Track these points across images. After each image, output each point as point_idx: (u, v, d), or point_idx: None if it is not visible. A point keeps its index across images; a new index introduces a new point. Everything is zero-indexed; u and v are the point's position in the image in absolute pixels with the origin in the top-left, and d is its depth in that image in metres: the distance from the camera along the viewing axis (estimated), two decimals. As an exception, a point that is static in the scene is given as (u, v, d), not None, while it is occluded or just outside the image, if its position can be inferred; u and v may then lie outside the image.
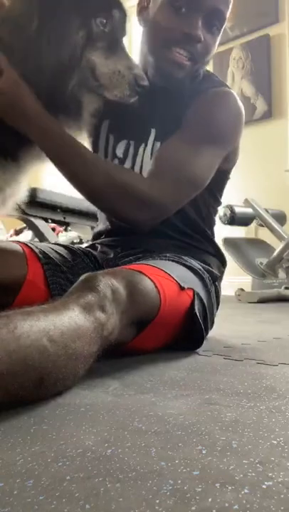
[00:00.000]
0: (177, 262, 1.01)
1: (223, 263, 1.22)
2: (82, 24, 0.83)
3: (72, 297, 0.71)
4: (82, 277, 0.78)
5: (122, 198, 0.92)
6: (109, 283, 0.76)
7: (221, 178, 1.18)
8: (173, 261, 1.01)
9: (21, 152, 0.91)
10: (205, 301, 1.01)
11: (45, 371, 0.58)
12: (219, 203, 1.23)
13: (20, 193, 0.98)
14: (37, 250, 1.02)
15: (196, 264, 1.05)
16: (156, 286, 0.86)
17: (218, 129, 1.03)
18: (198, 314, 0.93)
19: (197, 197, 1.11)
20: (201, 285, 1.01)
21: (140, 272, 0.86)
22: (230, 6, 1.02)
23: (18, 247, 1.01)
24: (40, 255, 1.01)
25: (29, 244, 1.03)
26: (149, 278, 0.86)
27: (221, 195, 1.22)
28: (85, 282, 0.76)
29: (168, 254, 1.04)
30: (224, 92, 1.07)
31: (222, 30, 1.03)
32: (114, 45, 0.88)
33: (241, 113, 1.08)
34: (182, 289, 0.92)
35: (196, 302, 0.95)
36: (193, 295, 0.95)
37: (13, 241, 1.06)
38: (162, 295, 0.86)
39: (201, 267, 1.06)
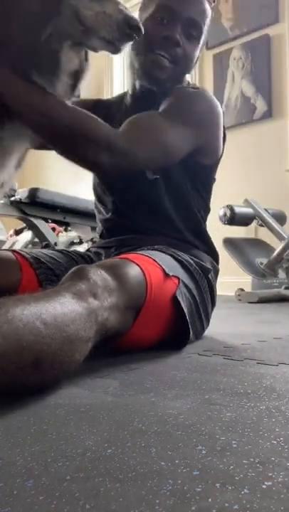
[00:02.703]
0: (164, 252, 1.03)
1: (216, 260, 1.23)
2: None
3: (64, 286, 0.73)
4: (72, 269, 0.80)
5: (86, 141, 0.90)
6: (98, 272, 0.79)
7: (205, 175, 1.20)
8: (160, 251, 1.03)
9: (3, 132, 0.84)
10: (194, 292, 1.03)
11: (41, 353, 0.59)
12: (207, 203, 1.24)
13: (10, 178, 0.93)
14: (28, 256, 1.04)
15: (184, 256, 1.07)
16: (142, 271, 0.88)
17: (191, 115, 1.07)
18: (180, 299, 0.94)
19: (183, 196, 1.16)
20: (187, 276, 1.03)
21: (126, 259, 0.89)
22: (207, 20, 1.12)
23: (10, 255, 1.03)
24: (31, 260, 1.03)
25: (20, 252, 1.05)
26: (135, 263, 0.89)
27: (207, 195, 1.24)
28: (76, 273, 0.78)
29: (156, 246, 1.06)
30: (201, 91, 1.15)
31: (201, 40, 1.13)
32: None
33: (216, 109, 1.13)
34: (167, 275, 0.94)
35: (182, 290, 0.97)
36: (178, 283, 0.97)
37: (4, 249, 1.08)
38: (148, 279, 0.88)
39: (189, 259, 1.07)
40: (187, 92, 1.12)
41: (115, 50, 0.84)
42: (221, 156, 1.22)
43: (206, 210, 1.24)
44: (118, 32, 0.79)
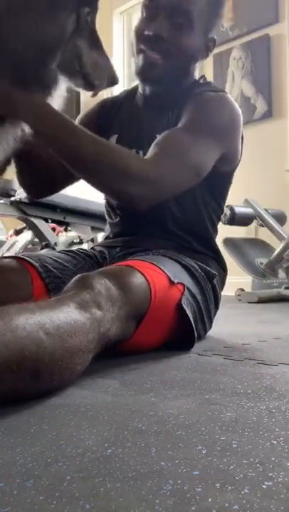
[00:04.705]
0: (170, 258, 1.02)
1: (223, 269, 1.22)
2: (74, 8, 0.81)
3: (68, 295, 0.72)
4: (76, 277, 0.79)
5: (119, 174, 0.89)
6: (102, 281, 0.78)
7: (222, 181, 1.19)
8: (165, 256, 1.02)
9: None
10: (198, 297, 1.02)
11: (42, 363, 0.59)
12: (221, 209, 1.23)
13: None
14: (37, 265, 1.02)
15: (190, 262, 1.06)
16: (146, 280, 0.87)
17: (215, 125, 1.05)
18: (185, 307, 0.94)
19: (199, 200, 1.13)
20: (192, 282, 1.02)
21: (130, 267, 0.88)
22: (201, 2, 1.04)
23: (22, 267, 1.01)
24: (40, 269, 1.01)
25: (30, 260, 1.03)
26: (140, 271, 0.88)
27: (223, 201, 1.23)
28: (79, 281, 0.77)
29: (161, 251, 1.05)
30: (222, 95, 1.11)
31: (196, 25, 1.05)
32: (95, 37, 0.87)
33: (238, 116, 1.11)
34: (172, 282, 0.93)
35: (187, 297, 0.97)
36: (184, 289, 0.96)
37: (15, 257, 1.05)
38: (152, 288, 0.88)
39: (195, 265, 1.07)
40: (207, 98, 1.08)
41: (93, 91, 0.92)
42: (240, 160, 1.19)
43: (219, 215, 1.23)
44: (103, 81, 0.90)
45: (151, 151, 0.97)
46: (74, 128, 0.88)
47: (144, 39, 1.05)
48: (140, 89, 1.18)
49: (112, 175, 0.90)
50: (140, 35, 1.06)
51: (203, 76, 1.18)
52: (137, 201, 0.94)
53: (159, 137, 1.01)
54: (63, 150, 0.88)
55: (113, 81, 0.90)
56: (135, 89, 1.23)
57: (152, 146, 0.98)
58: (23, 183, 1.17)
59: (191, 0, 1.04)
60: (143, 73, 1.08)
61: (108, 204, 1.24)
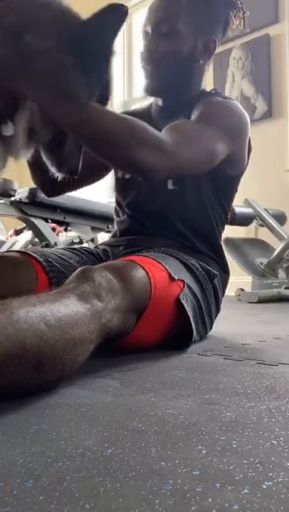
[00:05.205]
0: (171, 255, 1.03)
1: (225, 271, 1.23)
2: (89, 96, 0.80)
3: (68, 287, 0.73)
4: (77, 270, 0.80)
5: (141, 144, 0.86)
6: (103, 274, 0.78)
7: (228, 185, 1.21)
8: (166, 254, 1.03)
9: None
10: (198, 295, 1.02)
11: (43, 355, 0.59)
12: (226, 214, 1.24)
13: None
14: (41, 259, 1.02)
15: (191, 260, 1.07)
16: (147, 274, 0.88)
17: (224, 124, 1.06)
18: (183, 302, 0.94)
19: (206, 201, 1.15)
20: (193, 279, 1.03)
21: (132, 261, 0.89)
22: (182, 7, 1.08)
23: (27, 261, 1.01)
24: (44, 263, 1.02)
25: (35, 255, 1.03)
26: (141, 266, 0.88)
27: (228, 206, 1.24)
28: (80, 274, 0.78)
29: (163, 249, 1.06)
30: (231, 101, 1.15)
31: (180, 30, 1.09)
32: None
33: (245, 120, 1.13)
34: (172, 279, 0.94)
35: (187, 293, 0.97)
36: (183, 286, 0.97)
37: (20, 251, 1.06)
38: (153, 282, 0.88)
39: (196, 264, 1.07)
40: (217, 100, 1.12)
41: None
42: (246, 167, 1.21)
43: (224, 220, 1.24)
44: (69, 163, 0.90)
45: (164, 131, 0.95)
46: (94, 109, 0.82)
47: (142, 58, 1.14)
48: (154, 102, 1.23)
49: (136, 146, 0.85)
50: (140, 56, 1.14)
51: (215, 89, 1.23)
52: (156, 171, 0.90)
53: (170, 124, 0.99)
54: (87, 132, 0.82)
55: (72, 173, 0.89)
56: (150, 105, 1.27)
57: (164, 129, 0.96)
58: (35, 181, 1.18)
59: (170, 9, 1.09)
60: (147, 87, 1.14)
61: (117, 202, 1.26)
